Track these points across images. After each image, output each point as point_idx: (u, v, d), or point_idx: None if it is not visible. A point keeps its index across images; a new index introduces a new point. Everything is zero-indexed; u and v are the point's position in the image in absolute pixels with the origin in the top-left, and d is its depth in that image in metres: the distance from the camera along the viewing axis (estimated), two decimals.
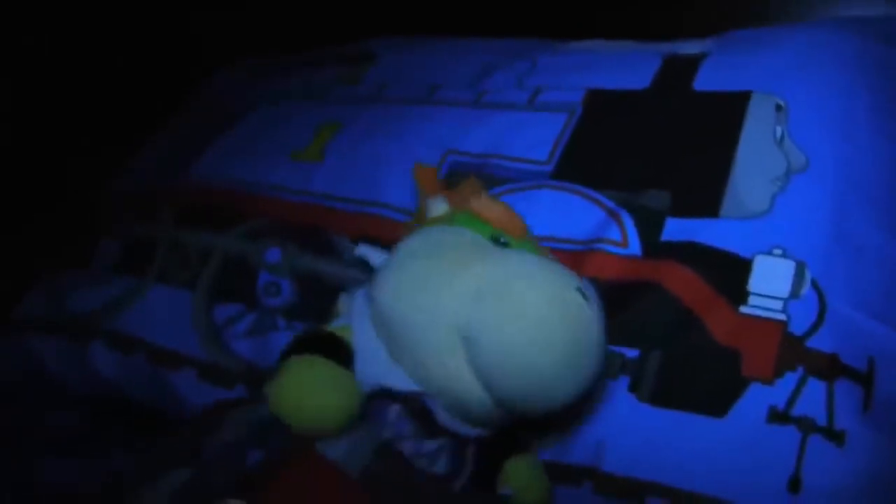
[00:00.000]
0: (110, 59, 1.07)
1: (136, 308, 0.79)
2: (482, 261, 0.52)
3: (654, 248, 0.66)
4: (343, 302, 0.62)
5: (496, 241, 0.55)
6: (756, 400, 0.59)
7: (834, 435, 0.58)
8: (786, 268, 0.63)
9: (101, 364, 0.78)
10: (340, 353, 0.53)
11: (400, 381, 0.53)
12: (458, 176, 0.75)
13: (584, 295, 0.51)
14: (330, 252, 0.75)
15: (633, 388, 0.62)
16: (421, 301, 0.51)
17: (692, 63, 0.77)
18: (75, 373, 0.80)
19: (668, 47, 0.81)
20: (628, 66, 0.79)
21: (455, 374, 0.51)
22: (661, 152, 0.71)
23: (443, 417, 0.54)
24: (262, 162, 0.85)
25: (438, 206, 0.60)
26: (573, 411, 0.54)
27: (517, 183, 0.73)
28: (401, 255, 0.55)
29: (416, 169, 0.63)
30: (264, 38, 1.08)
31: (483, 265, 0.51)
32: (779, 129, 0.70)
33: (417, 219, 0.63)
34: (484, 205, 0.57)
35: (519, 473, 0.57)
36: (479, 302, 0.50)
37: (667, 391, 0.61)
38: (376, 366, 0.53)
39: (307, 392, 0.50)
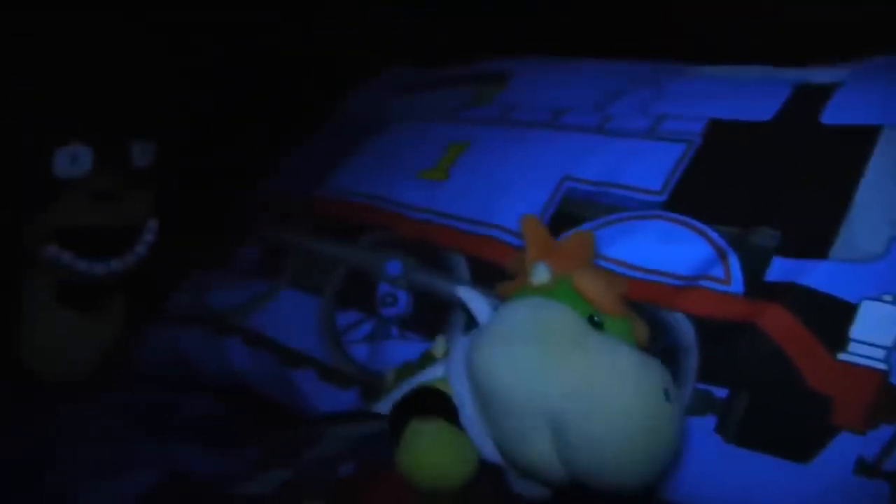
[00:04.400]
0: (266, 68, 1.15)
1: (269, 308, 0.87)
2: (580, 354, 0.55)
3: (756, 287, 0.66)
4: (440, 345, 0.67)
5: (591, 320, 0.58)
6: (844, 449, 0.58)
7: None
8: (893, 315, 0.61)
9: (235, 358, 0.86)
10: (453, 412, 0.58)
11: (484, 449, 0.58)
12: (572, 204, 0.77)
13: (668, 396, 0.54)
14: (444, 269, 0.79)
15: (719, 428, 0.62)
16: (519, 385, 0.54)
17: (823, 93, 0.75)
18: (213, 364, 0.88)
19: (800, 74, 0.79)
20: (755, 96, 0.78)
21: (539, 455, 0.55)
22: (777, 188, 0.70)
23: (518, 487, 0.59)
24: (390, 179, 0.89)
25: (541, 274, 0.61)
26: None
27: (628, 212, 0.74)
28: (505, 331, 0.57)
29: (522, 220, 0.64)
30: (407, 52, 1.13)
31: (580, 360, 0.54)
32: None
33: (518, 268, 0.65)
34: (585, 282, 0.59)
35: None
36: (573, 398, 0.53)
37: (752, 433, 0.61)
38: (470, 428, 0.58)
39: (444, 465, 0.55)
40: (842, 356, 0.60)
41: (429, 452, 0.55)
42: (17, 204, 0.91)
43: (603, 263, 0.71)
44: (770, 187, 0.70)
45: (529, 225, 0.65)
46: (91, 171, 0.93)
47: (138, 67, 0.99)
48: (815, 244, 0.65)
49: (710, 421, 0.63)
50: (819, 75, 0.78)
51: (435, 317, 0.77)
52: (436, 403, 0.59)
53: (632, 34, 0.96)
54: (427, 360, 0.67)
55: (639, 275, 0.70)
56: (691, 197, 0.72)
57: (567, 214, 0.76)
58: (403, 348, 0.77)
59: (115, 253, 0.96)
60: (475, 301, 0.66)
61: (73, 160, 0.92)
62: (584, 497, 0.59)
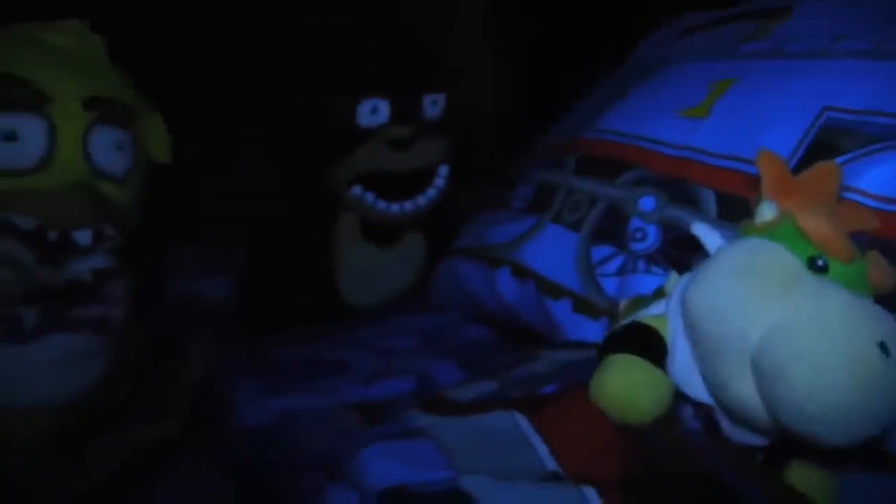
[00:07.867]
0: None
1: (534, 242, 0.92)
2: (788, 294, 0.53)
3: None
4: (671, 281, 0.66)
5: (813, 263, 0.54)
6: None
7: None
8: None
9: (504, 288, 0.93)
10: (658, 349, 0.59)
11: (696, 389, 0.58)
12: (830, 135, 0.72)
13: (885, 349, 0.49)
14: (695, 205, 0.79)
15: None
16: (724, 323, 0.54)
17: None
18: (487, 295, 0.96)
19: None
20: None
21: (743, 397, 0.54)
22: None
23: (727, 430, 0.58)
24: (654, 119, 0.90)
25: (766, 211, 0.59)
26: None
27: (890, 141, 0.68)
28: (715, 269, 0.57)
29: (758, 155, 0.60)
30: None
31: (788, 300, 0.52)
32: None
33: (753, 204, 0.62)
34: (808, 222, 0.56)
35: (801, 478, 0.57)
36: (773, 338, 0.51)
37: None
38: (680, 367, 0.58)
39: (628, 395, 0.56)
40: None
41: (613, 384, 0.56)
42: (329, 150, 1.06)
43: (851, 196, 0.66)
44: None
45: (765, 160, 0.61)
46: (388, 121, 1.06)
47: (431, 29, 1.10)
48: None
49: None
50: None
51: (680, 252, 0.77)
52: (640, 338, 0.60)
53: None
54: (658, 295, 0.68)
55: (888, 207, 0.64)
56: None
57: (824, 146, 0.72)
58: (649, 282, 0.78)
59: (409, 196, 1.09)
60: (710, 237, 0.65)
61: (373, 111, 1.06)
62: (798, 449, 0.57)
